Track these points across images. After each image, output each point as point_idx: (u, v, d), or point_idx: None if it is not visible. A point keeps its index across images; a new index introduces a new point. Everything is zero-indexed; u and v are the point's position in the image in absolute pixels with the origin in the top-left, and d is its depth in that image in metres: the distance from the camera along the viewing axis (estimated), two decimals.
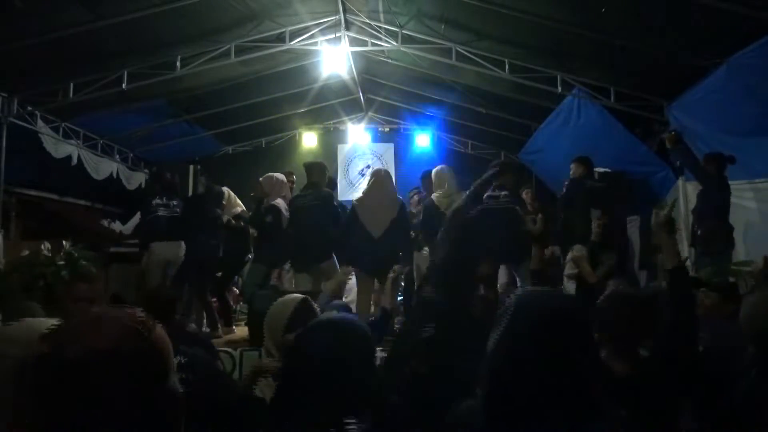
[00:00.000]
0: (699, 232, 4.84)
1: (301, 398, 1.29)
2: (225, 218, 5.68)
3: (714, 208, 4.84)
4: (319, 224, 5.06)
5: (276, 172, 5.86)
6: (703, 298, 2.80)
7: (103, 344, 0.72)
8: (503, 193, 5.26)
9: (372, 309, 4.88)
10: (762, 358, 1.75)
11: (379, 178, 5.15)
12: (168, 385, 0.78)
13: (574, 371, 1.07)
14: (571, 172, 5.51)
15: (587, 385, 1.08)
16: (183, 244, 5.40)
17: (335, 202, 5.56)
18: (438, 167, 5.65)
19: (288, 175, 6.23)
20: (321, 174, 5.40)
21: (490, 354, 1.15)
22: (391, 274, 3.36)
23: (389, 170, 6.27)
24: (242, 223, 5.81)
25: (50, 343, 0.72)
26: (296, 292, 2.62)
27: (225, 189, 5.94)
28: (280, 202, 5.35)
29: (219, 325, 5.28)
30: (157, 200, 5.55)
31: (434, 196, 5.34)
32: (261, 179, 5.60)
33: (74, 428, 0.70)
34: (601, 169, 5.98)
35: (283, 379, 1.54)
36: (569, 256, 4.91)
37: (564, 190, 5.60)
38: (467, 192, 4.02)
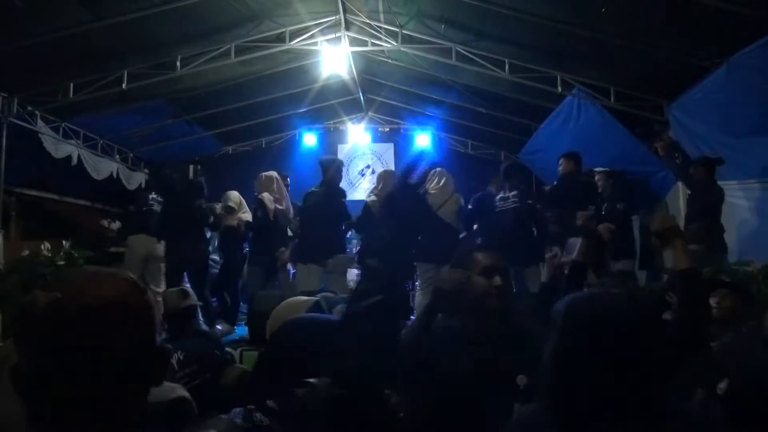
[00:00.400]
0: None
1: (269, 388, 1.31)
2: (235, 222, 5.74)
3: (701, 212, 4.89)
4: (329, 220, 5.14)
5: (276, 172, 5.91)
6: (721, 300, 2.67)
7: (107, 294, 0.76)
8: (512, 193, 5.30)
9: None
10: None
11: (387, 180, 5.30)
12: (158, 341, 0.83)
13: (639, 374, 1.06)
14: (561, 168, 5.50)
15: (655, 389, 1.07)
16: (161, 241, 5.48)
17: (344, 200, 5.64)
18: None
19: (283, 178, 6.32)
20: (335, 171, 5.48)
21: (549, 363, 1.14)
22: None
23: (389, 170, 6.38)
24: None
25: (55, 293, 0.74)
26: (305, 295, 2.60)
27: (236, 194, 6.00)
28: (265, 196, 5.42)
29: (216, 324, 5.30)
30: (153, 195, 5.67)
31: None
32: (256, 180, 5.73)
33: (77, 375, 0.72)
34: (601, 169, 5.97)
35: (254, 373, 1.54)
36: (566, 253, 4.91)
37: (555, 184, 5.60)
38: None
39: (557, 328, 1.15)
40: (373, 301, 1.26)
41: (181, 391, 1.76)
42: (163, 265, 5.47)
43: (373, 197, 5.27)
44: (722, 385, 1.79)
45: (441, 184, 5.52)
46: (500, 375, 1.62)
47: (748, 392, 1.54)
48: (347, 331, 1.29)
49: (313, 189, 5.47)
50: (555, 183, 5.60)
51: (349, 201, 5.99)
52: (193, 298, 3.26)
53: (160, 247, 5.45)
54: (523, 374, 1.60)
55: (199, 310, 5.23)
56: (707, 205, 4.89)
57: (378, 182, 5.50)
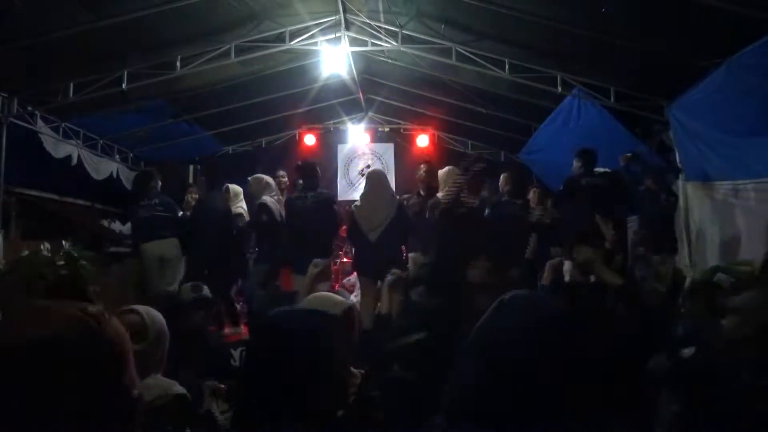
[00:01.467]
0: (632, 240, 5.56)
1: (259, 404, 1.23)
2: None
3: (650, 220, 5.51)
4: (318, 226, 5.11)
5: (276, 172, 5.92)
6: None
7: (44, 334, 0.69)
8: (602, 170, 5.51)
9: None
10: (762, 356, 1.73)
11: (373, 180, 5.18)
12: (122, 384, 0.75)
13: (556, 382, 1.00)
14: (573, 168, 5.58)
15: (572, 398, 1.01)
16: (175, 241, 5.49)
17: (335, 205, 5.62)
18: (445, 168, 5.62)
19: (281, 176, 6.34)
20: (314, 174, 5.45)
21: (460, 363, 1.08)
22: (389, 277, 3.05)
23: (389, 170, 6.33)
24: (239, 224, 5.84)
25: None
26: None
27: (236, 186, 6.03)
28: (268, 199, 5.44)
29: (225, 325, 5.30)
30: (140, 201, 5.67)
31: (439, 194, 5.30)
32: (250, 179, 5.77)
33: (18, 422, 0.67)
34: (601, 169, 5.97)
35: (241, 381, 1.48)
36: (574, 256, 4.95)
37: (561, 187, 5.63)
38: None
39: (480, 326, 1.09)
40: (414, 340, 1.17)
41: (179, 388, 1.77)
42: (180, 266, 5.48)
43: (357, 203, 5.15)
44: (687, 351, 1.86)
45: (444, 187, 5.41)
46: None
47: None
48: (381, 370, 1.22)
49: (297, 194, 5.42)
50: (562, 185, 5.63)
51: (350, 201, 5.99)
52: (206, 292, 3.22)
53: (174, 249, 5.45)
54: None
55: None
56: (655, 213, 5.47)
57: (366, 182, 5.30)
